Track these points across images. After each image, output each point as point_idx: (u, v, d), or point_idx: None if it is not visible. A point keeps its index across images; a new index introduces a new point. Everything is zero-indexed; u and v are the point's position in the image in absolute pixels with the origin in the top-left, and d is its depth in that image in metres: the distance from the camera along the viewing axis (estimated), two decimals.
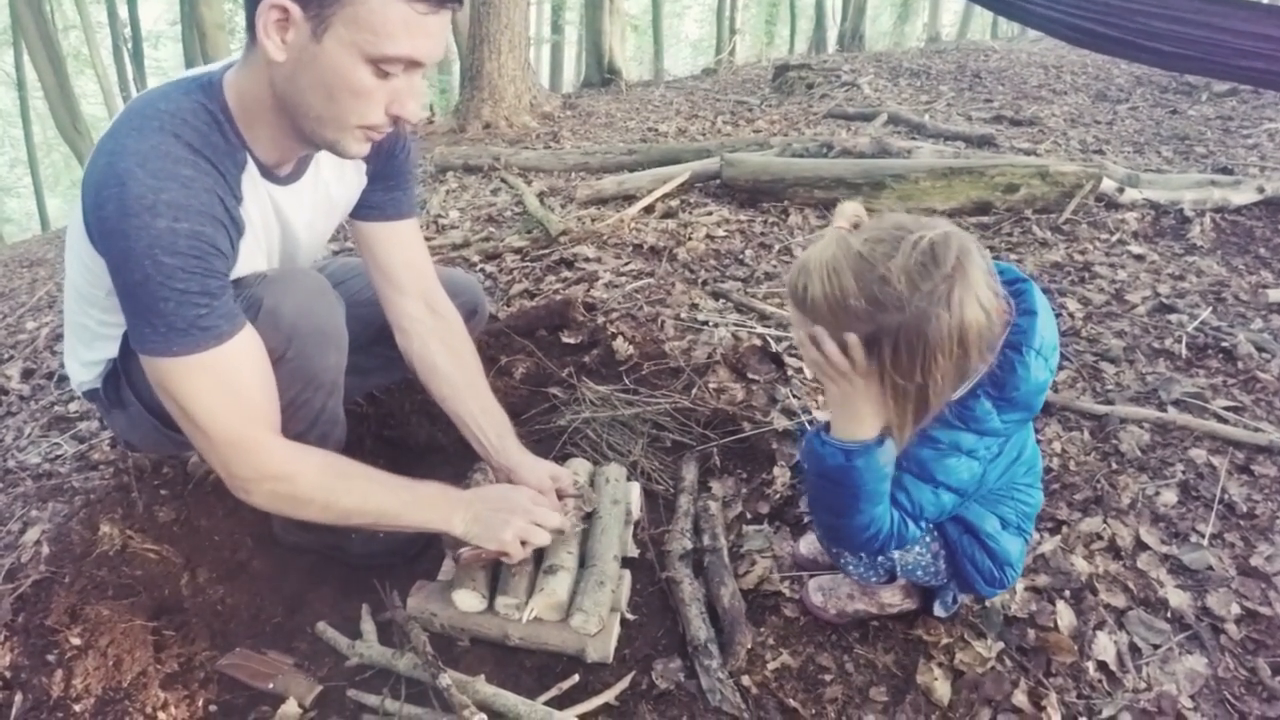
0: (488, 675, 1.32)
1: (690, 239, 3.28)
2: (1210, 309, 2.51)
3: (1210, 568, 1.49)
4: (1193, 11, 4.11)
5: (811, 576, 1.48)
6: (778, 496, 1.73)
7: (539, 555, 1.44)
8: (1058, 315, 2.51)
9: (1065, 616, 1.38)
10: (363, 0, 1.03)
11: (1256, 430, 1.87)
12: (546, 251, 3.21)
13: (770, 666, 1.33)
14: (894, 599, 1.39)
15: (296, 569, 1.69)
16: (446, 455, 1.95)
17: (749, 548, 1.60)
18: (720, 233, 3.39)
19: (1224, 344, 2.27)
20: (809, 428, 1.82)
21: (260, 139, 1.23)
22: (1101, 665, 1.30)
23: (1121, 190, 3.55)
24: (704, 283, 2.84)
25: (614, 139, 6.29)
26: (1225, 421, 1.92)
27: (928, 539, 1.25)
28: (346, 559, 1.66)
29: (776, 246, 3.23)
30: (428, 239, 3.31)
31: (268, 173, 1.29)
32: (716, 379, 2.08)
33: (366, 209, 1.52)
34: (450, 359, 1.58)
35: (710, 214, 3.65)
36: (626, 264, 2.99)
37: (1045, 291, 2.60)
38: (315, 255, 1.60)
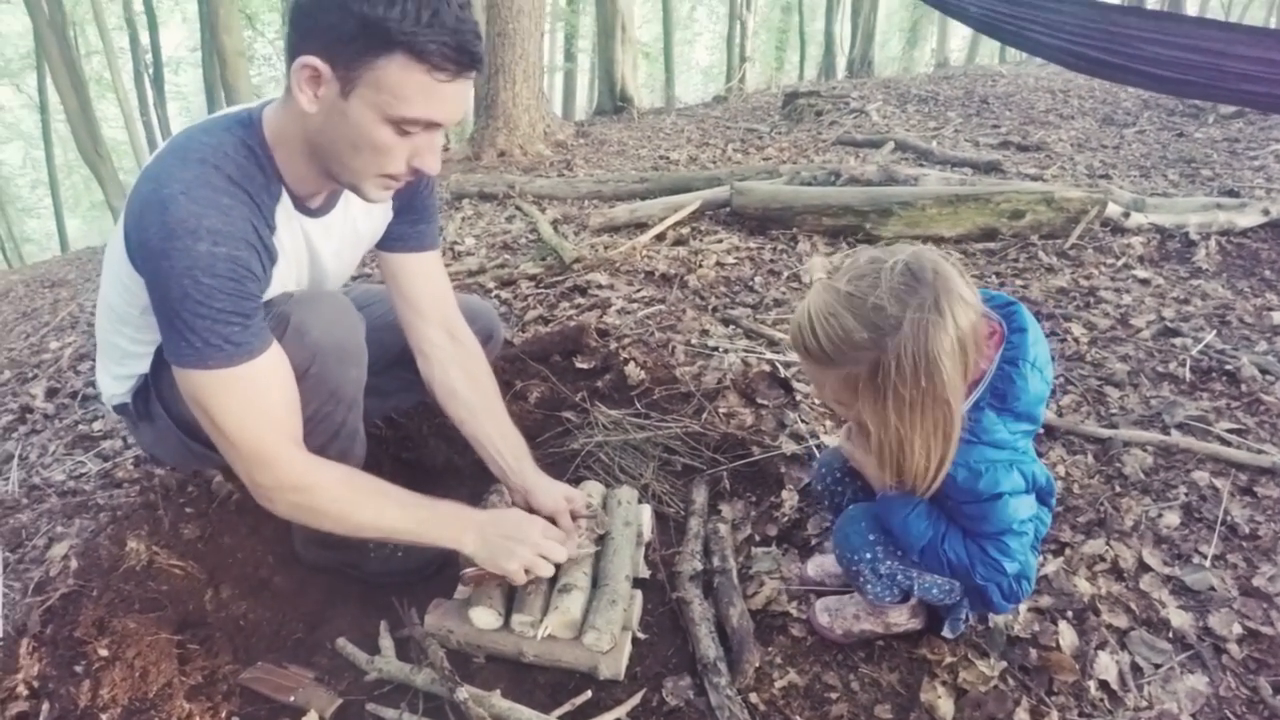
0: (503, 691, 1.36)
1: (701, 266, 3.33)
2: (1215, 332, 2.54)
3: (1212, 588, 1.51)
4: (1194, 37, 4.16)
5: (818, 597, 1.51)
6: (786, 519, 1.76)
7: (554, 575, 1.47)
8: (1062, 340, 2.55)
9: (1067, 636, 1.40)
10: (385, 66, 1.11)
11: (1259, 452, 1.89)
12: (560, 278, 3.27)
13: (778, 685, 1.36)
14: (901, 619, 1.42)
15: (317, 586, 1.73)
16: (463, 477, 2.00)
17: (758, 569, 1.63)
18: (730, 260, 3.45)
19: (1228, 367, 2.29)
20: (817, 452, 1.87)
21: (294, 174, 1.32)
22: (1103, 684, 1.33)
23: (1127, 215, 3.58)
24: (714, 309, 2.89)
25: (626, 167, 6.39)
26: (1228, 444, 1.94)
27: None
28: (365, 577, 1.71)
29: (785, 273, 3.28)
30: (444, 265, 3.38)
31: (300, 205, 1.37)
32: (726, 404, 2.12)
33: (392, 241, 1.61)
34: (469, 384, 1.64)
35: (720, 241, 3.71)
36: (638, 291, 3.05)
37: (1050, 316, 2.67)
38: (341, 282, 1.67)
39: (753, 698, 1.33)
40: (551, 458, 2.03)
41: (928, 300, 1.05)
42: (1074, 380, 2.30)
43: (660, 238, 3.85)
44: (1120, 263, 3.22)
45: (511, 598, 1.48)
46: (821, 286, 1.12)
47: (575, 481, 1.81)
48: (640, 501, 1.75)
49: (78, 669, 1.38)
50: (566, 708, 1.35)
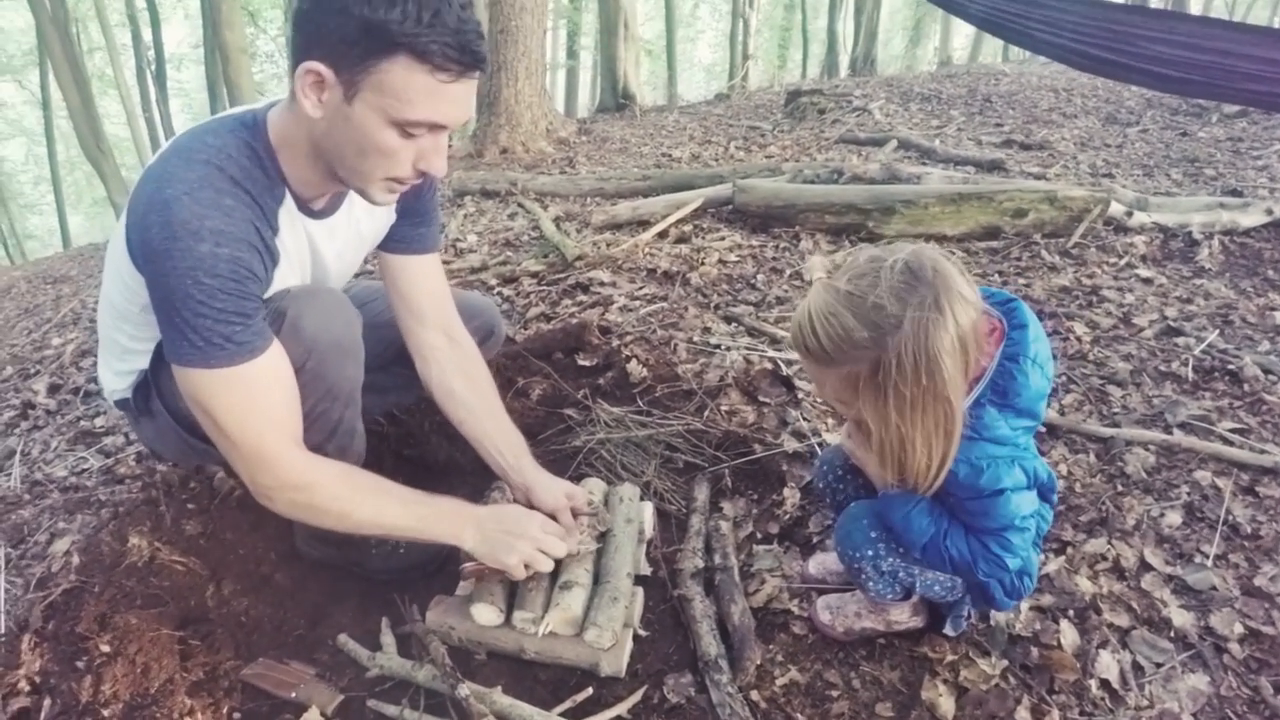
0: (504, 688, 1.36)
1: (703, 264, 3.33)
2: (1218, 331, 2.53)
3: (1214, 588, 1.51)
4: (1198, 36, 4.15)
5: (820, 595, 1.51)
6: (787, 517, 1.76)
7: (555, 571, 1.47)
8: (1065, 339, 2.54)
9: (1069, 635, 1.40)
10: (388, 69, 1.11)
11: (1262, 452, 1.89)
12: (562, 275, 3.27)
13: (779, 682, 1.36)
14: (902, 616, 1.42)
15: (318, 582, 1.74)
16: (465, 474, 2.00)
17: (759, 567, 1.63)
18: (732, 258, 3.44)
19: (1230, 367, 2.29)
20: (819, 450, 1.87)
21: (298, 177, 1.32)
22: (1104, 683, 1.32)
23: (1130, 214, 3.58)
24: (716, 307, 2.89)
25: (629, 164, 6.39)
26: (1231, 444, 1.94)
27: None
28: (367, 573, 1.71)
29: (787, 271, 3.28)
30: (446, 262, 3.40)
31: (304, 207, 1.37)
32: (728, 401, 2.12)
33: (394, 242, 1.61)
34: (467, 385, 1.64)
35: (723, 239, 3.71)
36: (641, 288, 3.05)
37: (1052, 315, 2.67)
38: (343, 282, 1.67)
39: (754, 695, 1.33)
40: (553, 455, 2.03)
41: (928, 299, 1.05)
42: (1076, 379, 2.30)
43: (662, 235, 3.85)
44: (1123, 262, 3.22)
45: (513, 594, 1.48)
46: (821, 286, 1.13)
47: (577, 478, 1.81)
48: (642, 499, 1.76)
49: (79, 665, 1.38)
50: (568, 704, 1.35)
